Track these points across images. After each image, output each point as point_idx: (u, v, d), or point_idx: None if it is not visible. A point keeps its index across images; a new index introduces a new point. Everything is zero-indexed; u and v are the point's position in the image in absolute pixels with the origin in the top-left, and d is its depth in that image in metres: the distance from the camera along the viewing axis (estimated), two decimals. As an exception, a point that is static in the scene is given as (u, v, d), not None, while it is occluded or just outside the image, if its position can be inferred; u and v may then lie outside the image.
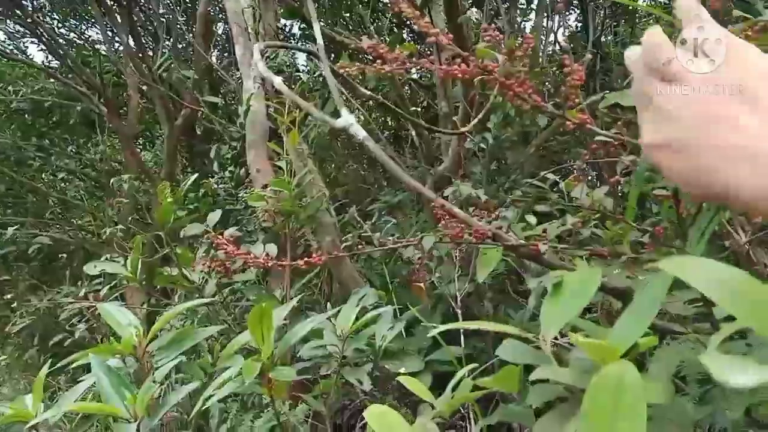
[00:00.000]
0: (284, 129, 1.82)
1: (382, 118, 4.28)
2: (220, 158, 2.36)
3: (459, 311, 1.53)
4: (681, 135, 0.37)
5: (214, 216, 1.34)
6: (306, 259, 0.88)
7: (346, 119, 0.83)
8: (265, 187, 1.94)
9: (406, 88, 3.87)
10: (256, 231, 1.97)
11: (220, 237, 1.03)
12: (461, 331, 1.50)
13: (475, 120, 1.62)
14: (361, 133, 0.83)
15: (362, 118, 3.11)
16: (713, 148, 0.36)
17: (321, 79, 3.15)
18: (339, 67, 0.87)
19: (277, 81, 0.92)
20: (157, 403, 0.92)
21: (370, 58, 0.82)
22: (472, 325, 0.59)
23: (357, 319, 1.17)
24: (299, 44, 4.01)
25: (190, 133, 4.34)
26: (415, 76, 3.79)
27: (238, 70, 2.50)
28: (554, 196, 1.25)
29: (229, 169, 2.34)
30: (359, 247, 1.02)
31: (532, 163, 2.11)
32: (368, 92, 1.24)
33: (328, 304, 1.73)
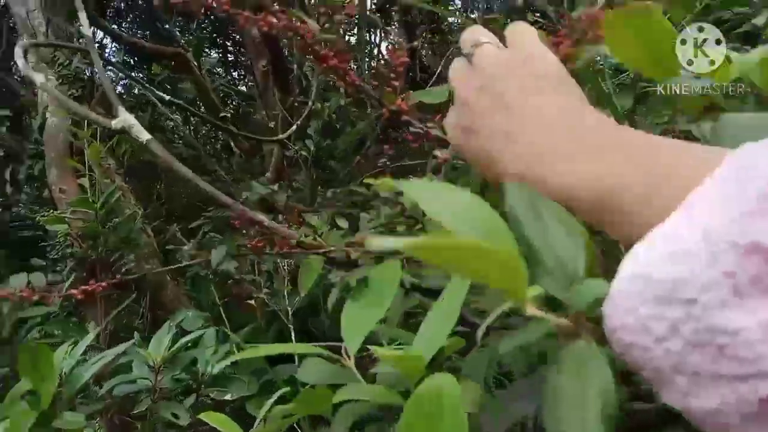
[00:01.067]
0: (85, 142, 1.63)
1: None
2: (16, 180, 2.08)
3: (291, 327, 1.44)
4: (469, 121, 0.40)
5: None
6: (71, 291, 0.74)
7: (124, 119, 0.72)
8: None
9: (235, 102, 3.73)
10: (64, 259, 1.74)
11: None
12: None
13: (293, 127, 1.56)
14: (144, 134, 0.72)
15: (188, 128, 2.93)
16: (492, 136, 0.39)
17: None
18: None
19: (39, 80, 0.78)
20: None
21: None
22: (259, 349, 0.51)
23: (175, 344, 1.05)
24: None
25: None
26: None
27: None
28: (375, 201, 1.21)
29: (25, 191, 2.06)
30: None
31: (366, 170, 2.08)
32: (168, 97, 1.12)
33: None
